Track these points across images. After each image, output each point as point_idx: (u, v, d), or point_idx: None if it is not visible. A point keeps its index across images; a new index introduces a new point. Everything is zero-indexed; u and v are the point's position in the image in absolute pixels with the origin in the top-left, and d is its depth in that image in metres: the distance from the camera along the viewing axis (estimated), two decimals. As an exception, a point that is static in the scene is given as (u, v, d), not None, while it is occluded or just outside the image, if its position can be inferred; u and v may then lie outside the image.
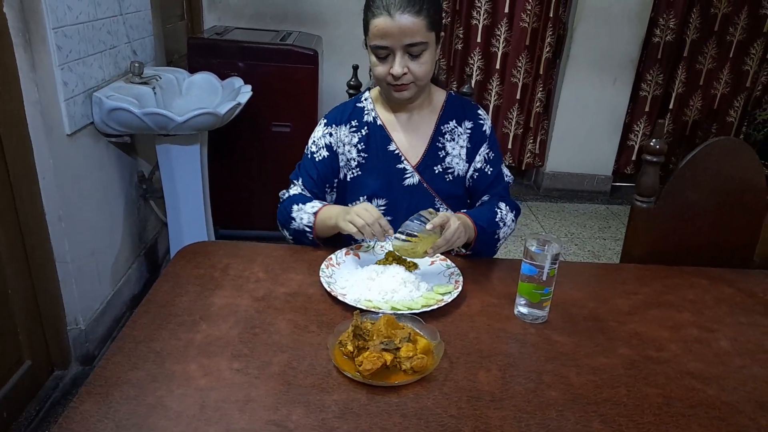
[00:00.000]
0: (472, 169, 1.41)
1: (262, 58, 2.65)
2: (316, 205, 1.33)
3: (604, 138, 3.87)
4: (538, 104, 3.77)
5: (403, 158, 1.39)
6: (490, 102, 3.79)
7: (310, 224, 1.31)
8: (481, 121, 1.42)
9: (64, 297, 1.90)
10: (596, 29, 3.57)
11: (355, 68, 1.77)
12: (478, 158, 1.41)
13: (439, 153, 1.40)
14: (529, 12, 3.53)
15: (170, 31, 2.84)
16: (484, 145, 1.41)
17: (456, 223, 1.18)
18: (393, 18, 1.22)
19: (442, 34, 1.34)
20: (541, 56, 3.65)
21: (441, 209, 1.40)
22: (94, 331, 2.04)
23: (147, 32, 2.44)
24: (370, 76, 1.36)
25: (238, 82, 2.40)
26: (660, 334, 1.11)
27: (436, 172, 1.40)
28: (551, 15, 3.53)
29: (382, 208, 1.39)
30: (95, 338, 2.04)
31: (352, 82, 1.78)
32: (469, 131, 1.41)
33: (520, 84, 3.72)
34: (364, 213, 1.20)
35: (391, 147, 1.39)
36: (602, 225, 3.57)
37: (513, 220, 1.39)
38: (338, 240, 1.36)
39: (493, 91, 3.76)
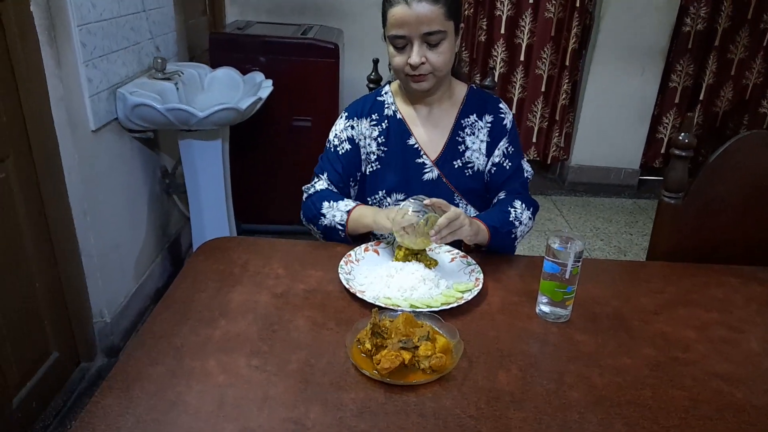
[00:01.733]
0: (490, 163, 1.39)
1: (283, 53, 2.65)
2: (349, 203, 1.33)
3: (632, 130, 3.79)
4: (563, 96, 3.70)
5: (422, 152, 1.38)
6: (514, 95, 3.73)
7: (343, 222, 1.31)
8: (502, 115, 1.40)
9: (90, 290, 1.93)
10: (623, 18, 3.48)
11: (376, 62, 1.76)
12: (496, 152, 1.39)
13: (459, 147, 1.38)
14: (554, 2, 3.46)
15: (192, 26, 2.86)
16: (504, 139, 1.39)
17: (457, 209, 1.16)
18: (410, 6, 1.21)
19: (462, 25, 1.33)
20: (566, 47, 3.58)
21: (460, 205, 1.38)
22: (119, 323, 2.07)
23: (170, 28, 2.46)
24: (390, 69, 1.35)
25: (259, 76, 2.41)
26: (686, 335, 1.08)
27: (456, 166, 1.38)
28: (577, 5, 3.45)
29: (400, 202, 1.38)
30: (120, 331, 2.08)
31: (372, 76, 1.76)
32: (489, 125, 1.39)
33: (545, 76, 3.66)
34: (398, 215, 1.19)
35: (411, 141, 1.38)
36: (629, 220, 3.50)
37: (530, 218, 1.36)
38: (368, 239, 1.36)
39: (518, 83, 3.70)
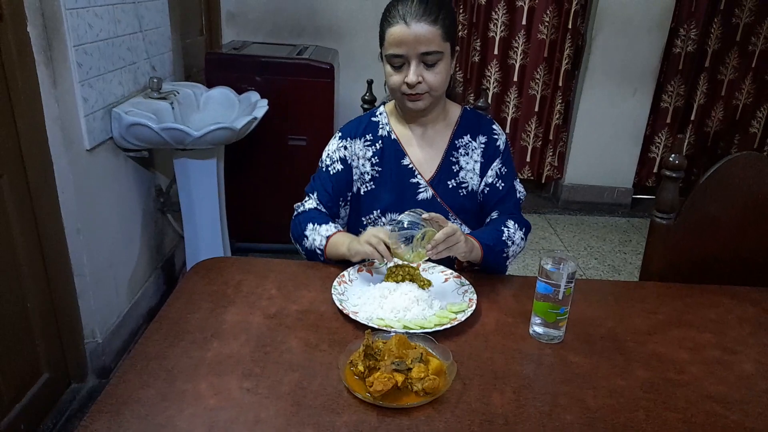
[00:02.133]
0: (483, 183, 1.40)
1: (278, 72, 2.67)
2: (330, 229, 1.33)
3: (624, 150, 3.82)
4: (557, 116, 3.74)
5: (416, 172, 1.38)
6: (508, 115, 3.77)
7: (322, 247, 1.32)
8: (495, 136, 1.41)
9: (82, 310, 1.92)
10: (615, 40, 3.54)
11: (370, 83, 1.77)
12: (490, 173, 1.40)
13: (453, 167, 1.39)
14: (547, 24, 3.51)
15: (189, 46, 2.88)
16: (497, 159, 1.40)
17: (454, 225, 1.17)
18: (409, 26, 1.23)
19: (458, 48, 1.35)
20: (559, 68, 3.62)
21: (455, 223, 1.38)
22: (111, 344, 2.05)
23: (166, 48, 2.48)
24: (386, 89, 1.36)
25: (254, 96, 2.42)
26: (680, 356, 1.07)
27: (450, 186, 1.39)
28: (569, 26, 3.51)
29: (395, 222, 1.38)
30: (112, 351, 2.06)
31: (366, 97, 1.77)
32: (483, 145, 1.40)
33: (538, 96, 3.69)
34: (372, 238, 1.20)
35: (405, 161, 1.39)
36: (623, 238, 3.52)
37: (522, 239, 1.37)
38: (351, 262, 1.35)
39: (511, 103, 3.74)
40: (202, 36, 3.21)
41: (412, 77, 1.26)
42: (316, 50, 3.00)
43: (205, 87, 2.49)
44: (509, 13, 3.51)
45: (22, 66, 1.60)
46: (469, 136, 1.41)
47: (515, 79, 3.67)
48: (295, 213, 1.42)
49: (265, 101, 2.36)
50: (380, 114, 1.44)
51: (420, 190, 1.38)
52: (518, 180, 1.44)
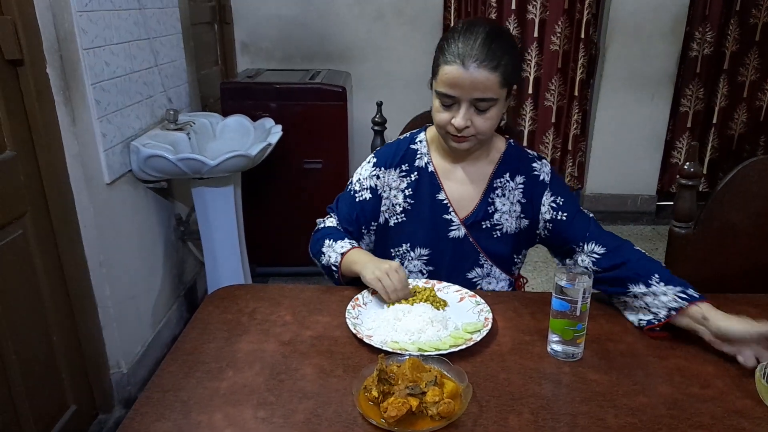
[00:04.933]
0: (541, 221, 1.32)
1: (291, 98, 2.71)
2: (345, 245, 1.29)
3: (645, 157, 3.77)
4: (574, 126, 3.71)
5: (450, 209, 1.33)
6: (524, 127, 3.75)
7: (337, 264, 1.29)
8: (536, 173, 1.33)
9: (106, 341, 1.95)
10: (629, 47, 3.51)
11: (379, 105, 1.79)
12: (543, 209, 1.31)
13: (489, 209, 1.33)
14: (559, 34, 3.50)
15: (205, 76, 2.94)
16: (546, 193, 1.31)
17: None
18: (467, 69, 1.15)
19: (515, 87, 1.25)
20: (574, 78, 3.60)
21: (485, 266, 1.35)
22: (136, 374, 2.08)
23: (182, 80, 2.54)
24: (432, 116, 1.28)
25: (269, 122, 2.46)
26: (704, 369, 1.04)
27: (484, 227, 1.33)
28: (582, 36, 3.49)
29: (425, 257, 1.36)
30: (137, 381, 2.08)
31: (377, 119, 1.79)
32: (522, 186, 1.33)
33: (554, 107, 3.67)
34: (395, 276, 1.18)
35: (440, 196, 1.34)
36: (648, 247, 3.45)
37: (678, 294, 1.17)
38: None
39: (527, 116, 3.72)
40: (218, 66, 3.28)
41: (460, 121, 1.19)
42: (329, 74, 3.04)
43: (221, 116, 2.53)
44: (520, 26, 3.51)
45: (42, 106, 1.65)
46: (508, 175, 1.33)
47: (530, 91, 3.65)
48: (315, 229, 1.40)
49: (279, 127, 2.39)
50: (420, 142, 1.37)
51: (452, 227, 1.34)
52: (583, 209, 1.32)
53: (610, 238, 1.26)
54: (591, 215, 1.31)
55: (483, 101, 1.18)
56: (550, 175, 1.33)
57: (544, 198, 1.32)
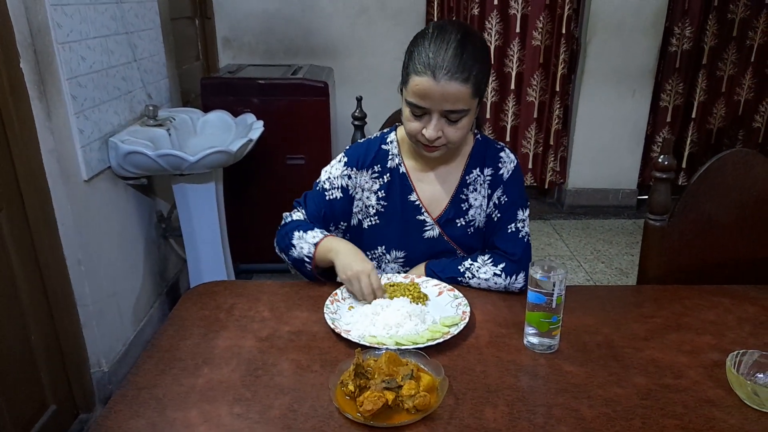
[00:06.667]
0: (485, 215, 1.35)
1: (273, 93, 2.70)
2: (317, 235, 1.27)
3: (626, 151, 3.80)
4: (556, 121, 3.73)
5: (423, 210, 1.33)
6: (507, 123, 3.76)
7: (310, 255, 1.26)
8: (501, 165, 1.33)
9: (87, 340, 1.93)
10: (610, 43, 3.53)
11: (359, 99, 1.78)
12: (490, 202, 1.33)
13: (462, 206, 1.34)
14: (540, 30, 3.52)
15: (186, 72, 2.91)
16: (498, 189, 1.32)
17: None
18: (438, 81, 1.13)
19: (485, 97, 1.28)
20: (556, 73, 3.62)
21: (464, 261, 1.34)
22: (117, 372, 2.06)
23: (161, 75, 2.51)
24: (401, 122, 1.28)
25: (250, 118, 2.44)
26: (678, 360, 1.06)
27: (458, 225, 1.34)
28: (563, 31, 3.51)
29: (401, 260, 1.36)
30: (118, 380, 2.06)
31: (357, 114, 1.78)
32: (489, 178, 1.33)
33: (536, 102, 3.69)
34: (365, 282, 1.18)
35: (412, 197, 1.33)
36: (630, 240, 3.49)
37: (497, 275, 1.27)
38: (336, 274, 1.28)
39: (510, 111, 3.73)
40: (199, 61, 3.25)
41: (432, 133, 1.18)
42: (311, 69, 3.02)
43: (202, 112, 2.51)
44: (503, 22, 3.53)
45: (16, 101, 1.63)
46: (477, 169, 1.33)
47: (512, 86, 3.67)
48: (282, 223, 1.37)
49: (260, 123, 2.38)
50: (390, 142, 1.35)
51: (426, 227, 1.34)
52: (525, 210, 1.32)
53: (494, 255, 1.29)
54: (526, 239, 1.31)
55: (454, 113, 1.17)
56: (511, 172, 1.33)
57: (496, 192, 1.33)
